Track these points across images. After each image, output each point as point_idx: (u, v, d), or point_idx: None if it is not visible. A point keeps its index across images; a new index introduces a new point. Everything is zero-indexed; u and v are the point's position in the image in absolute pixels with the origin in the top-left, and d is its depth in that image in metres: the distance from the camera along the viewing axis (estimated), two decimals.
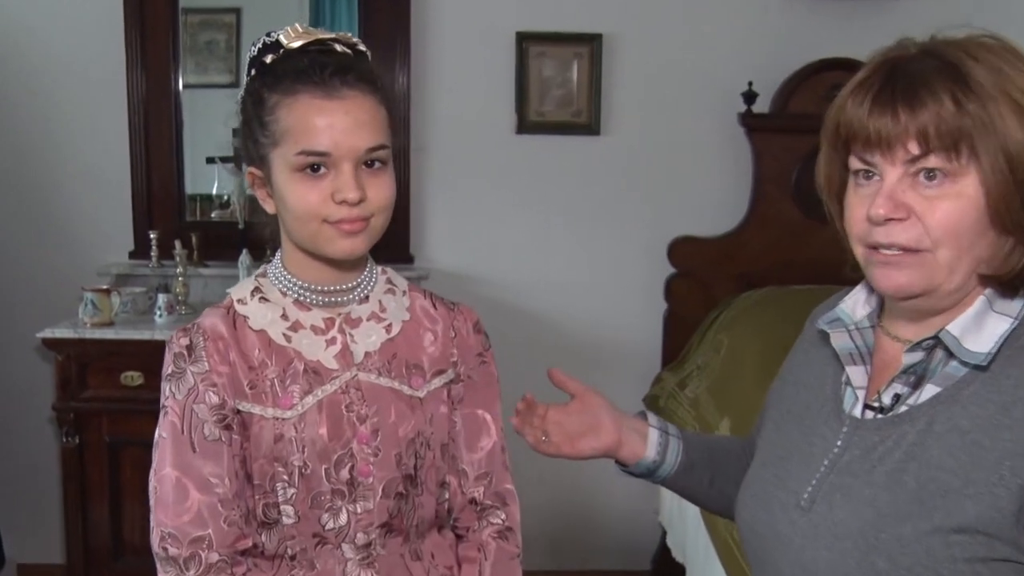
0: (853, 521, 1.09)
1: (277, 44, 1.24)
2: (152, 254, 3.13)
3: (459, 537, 1.42)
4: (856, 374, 1.17)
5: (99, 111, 3.18)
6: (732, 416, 2.58)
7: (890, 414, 1.12)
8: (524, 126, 3.20)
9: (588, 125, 3.20)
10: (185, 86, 3.19)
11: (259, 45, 1.25)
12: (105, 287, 2.90)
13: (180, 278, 3.00)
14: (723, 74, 3.18)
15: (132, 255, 3.23)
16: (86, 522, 2.90)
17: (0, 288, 3.26)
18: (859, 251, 1.11)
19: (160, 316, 2.91)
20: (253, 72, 1.26)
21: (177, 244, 3.02)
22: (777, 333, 2.46)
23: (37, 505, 3.34)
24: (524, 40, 3.15)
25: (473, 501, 1.39)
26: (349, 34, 1.28)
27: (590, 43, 3.16)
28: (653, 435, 1.37)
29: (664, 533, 3.14)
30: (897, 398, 1.12)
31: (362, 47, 1.28)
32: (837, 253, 1.17)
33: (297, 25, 1.24)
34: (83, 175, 3.22)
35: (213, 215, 3.30)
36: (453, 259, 3.26)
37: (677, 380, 3.03)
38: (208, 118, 3.10)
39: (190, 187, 3.27)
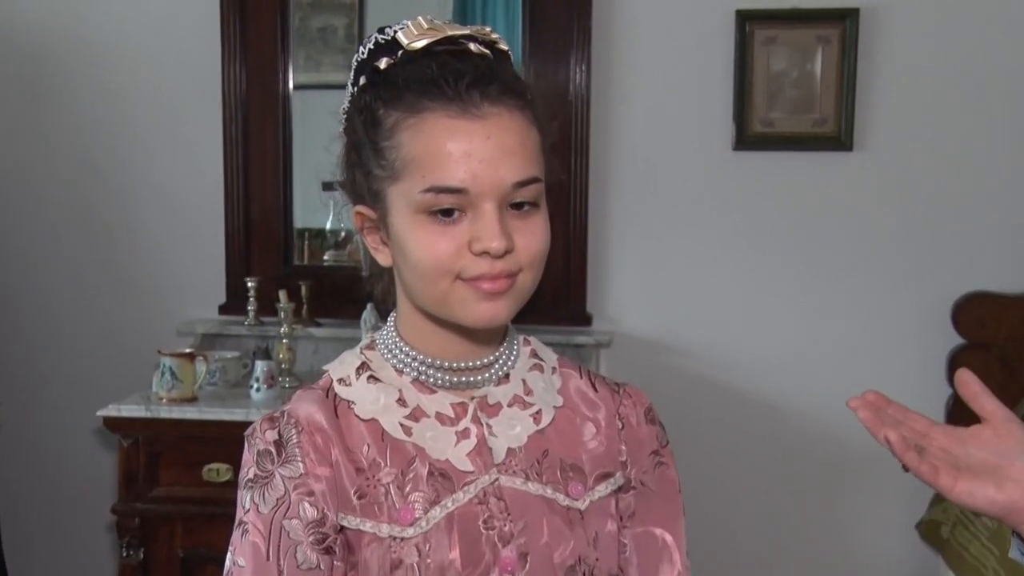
0: None
1: (394, 44, 1.19)
2: (249, 308, 3.03)
3: None
4: None
5: (186, 118, 3.08)
6: None
7: None
8: (745, 140, 2.97)
9: (836, 138, 2.94)
10: (296, 87, 3.02)
11: (370, 45, 1.21)
12: (188, 351, 2.78)
13: (284, 340, 2.86)
14: None
15: (223, 309, 3.14)
16: None
17: (52, 351, 3.19)
18: None
19: (257, 390, 2.75)
20: (363, 81, 1.21)
21: (282, 296, 2.87)
22: None
23: None
24: (747, 20, 2.91)
25: None
26: (488, 28, 1.22)
27: (841, 22, 2.88)
28: None
29: None
30: None
31: (503, 45, 1.22)
32: None
33: (420, 19, 1.18)
34: (163, 203, 3.14)
35: (326, 257, 3.15)
36: (644, 322, 3.08)
37: None
38: (323, 130, 2.94)
39: (299, 220, 3.12)
